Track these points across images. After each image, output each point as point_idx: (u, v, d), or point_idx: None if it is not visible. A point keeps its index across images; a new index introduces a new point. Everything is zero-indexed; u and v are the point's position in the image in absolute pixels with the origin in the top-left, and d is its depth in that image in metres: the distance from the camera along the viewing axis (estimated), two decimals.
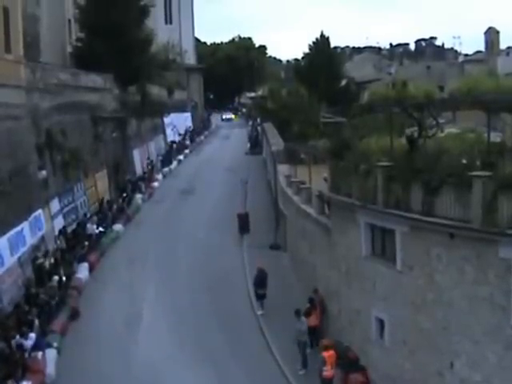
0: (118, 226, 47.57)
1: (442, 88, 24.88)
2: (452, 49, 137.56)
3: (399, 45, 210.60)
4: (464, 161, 21.18)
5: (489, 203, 18.79)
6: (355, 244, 25.64)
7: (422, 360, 21.64)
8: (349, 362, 25.27)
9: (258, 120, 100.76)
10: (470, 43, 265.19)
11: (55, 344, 28.39)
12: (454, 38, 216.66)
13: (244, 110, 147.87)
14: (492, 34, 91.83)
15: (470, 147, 22.95)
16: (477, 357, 19.38)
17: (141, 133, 68.84)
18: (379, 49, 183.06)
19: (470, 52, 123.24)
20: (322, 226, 30.25)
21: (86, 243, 40.54)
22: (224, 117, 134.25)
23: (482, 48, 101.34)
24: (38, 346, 27.12)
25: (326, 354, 24.91)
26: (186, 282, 36.80)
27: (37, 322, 28.76)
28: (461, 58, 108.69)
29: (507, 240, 18.38)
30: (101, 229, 44.35)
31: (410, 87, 24.62)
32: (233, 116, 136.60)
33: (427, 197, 21.31)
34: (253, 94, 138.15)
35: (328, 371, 24.66)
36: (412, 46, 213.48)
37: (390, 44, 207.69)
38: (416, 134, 25.21)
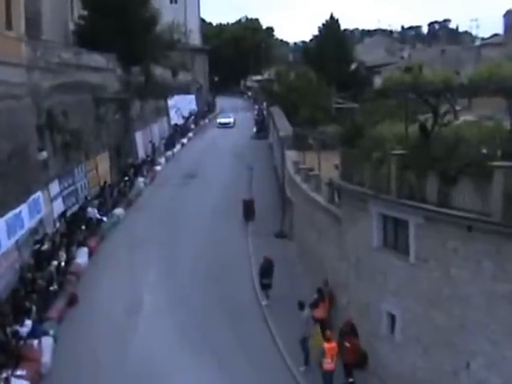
0: (118, 211, 47.27)
1: (457, 73, 24.36)
2: (467, 32, 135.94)
3: (411, 27, 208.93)
4: (484, 150, 20.57)
5: (511, 195, 18.20)
6: (366, 234, 25.10)
7: (436, 359, 21.07)
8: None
9: (265, 104, 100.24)
10: (487, 26, 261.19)
11: (52, 332, 28.04)
12: (472, 20, 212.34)
13: (250, 93, 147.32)
14: (511, 17, 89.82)
15: (489, 136, 22.37)
16: (495, 358, 18.75)
17: (144, 115, 68.47)
18: (390, 32, 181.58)
19: (487, 35, 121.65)
20: (332, 215, 29.76)
21: (83, 227, 40.18)
22: (221, 120, 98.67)
23: (500, 31, 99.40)
24: (34, 333, 26.79)
25: (327, 345, 24.58)
26: (189, 269, 36.45)
27: (33, 308, 28.37)
28: (477, 42, 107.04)
29: None
30: (101, 213, 44.03)
31: (427, 72, 24.08)
32: (231, 119, 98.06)
33: (444, 187, 20.72)
34: (259, 77, 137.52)
35: (328, 364, 24.39)
36: (425, 29, 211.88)
37: (402, 27, 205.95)
38: (430, 121, 24.69)
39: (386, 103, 31.36)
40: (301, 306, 27.63)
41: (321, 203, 32.04)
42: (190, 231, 42.74)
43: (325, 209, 31.17)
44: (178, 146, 76.59)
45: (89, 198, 45.56)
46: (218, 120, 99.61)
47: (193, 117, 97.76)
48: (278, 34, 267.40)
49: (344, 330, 25.57)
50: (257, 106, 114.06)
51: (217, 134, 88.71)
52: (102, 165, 51.00)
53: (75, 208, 42.79)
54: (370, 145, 25.23)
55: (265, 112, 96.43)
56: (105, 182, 49.95)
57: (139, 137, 65.22)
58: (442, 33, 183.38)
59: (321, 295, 28.72)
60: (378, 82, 66.69)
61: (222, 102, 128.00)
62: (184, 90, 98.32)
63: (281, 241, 41.25)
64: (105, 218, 44.17)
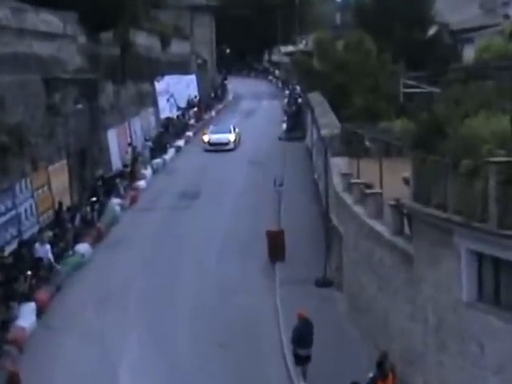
0: (83, 247, 47.45)
1: None
2: None
3: None
4: None
5: None
6: (452, 282, 25.17)
7: None
8: None
9: (299, 88, 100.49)
10: None
11: None
12: None
13: (277, 72, 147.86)
14: None
15: None
16: None
17: (120, 105, 68.81)
18: None
19: None
20: (400, 253, 29.84)
21: (29, 273, 40.16)
22: (213, 138, 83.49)
23: None
24: None
25: None
26: (187, 336, 36.45)
27: None
28: None
29: None
30: (56, 251, 44.09)
31: None
32: (231, 136, 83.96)
33: None
34: (291, 48, 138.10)
35: None
36: None
37: None
38: None
39: (482, 86, 31.42)
40: None
41: (383, 235, 32.08)
42: (190, 278, 43.05)
43: (389, 244, 31.24)
44: (171, 151, 77.07)
45: (37, 228, 45.64)
46: (208, 136, 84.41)
47: (194, 109, 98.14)
48: None
49: None
50: (288, 92, 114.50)
51: None
52: (58, 179, 51.20)
53: (16, 243, 42.87)
54: (456, 148, 25.29)
55: (300, 100, 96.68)
56: (60, 205, 50.03)
57: (113, 137, 65.51)
58: None
59: (381, 371, 28.62)
60: (469, 54, 66.82)
61: (236, 85, 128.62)
62: (180, 67, 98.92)
63: (324, 291, 41.39)
64: (58, 250, 44.29)
